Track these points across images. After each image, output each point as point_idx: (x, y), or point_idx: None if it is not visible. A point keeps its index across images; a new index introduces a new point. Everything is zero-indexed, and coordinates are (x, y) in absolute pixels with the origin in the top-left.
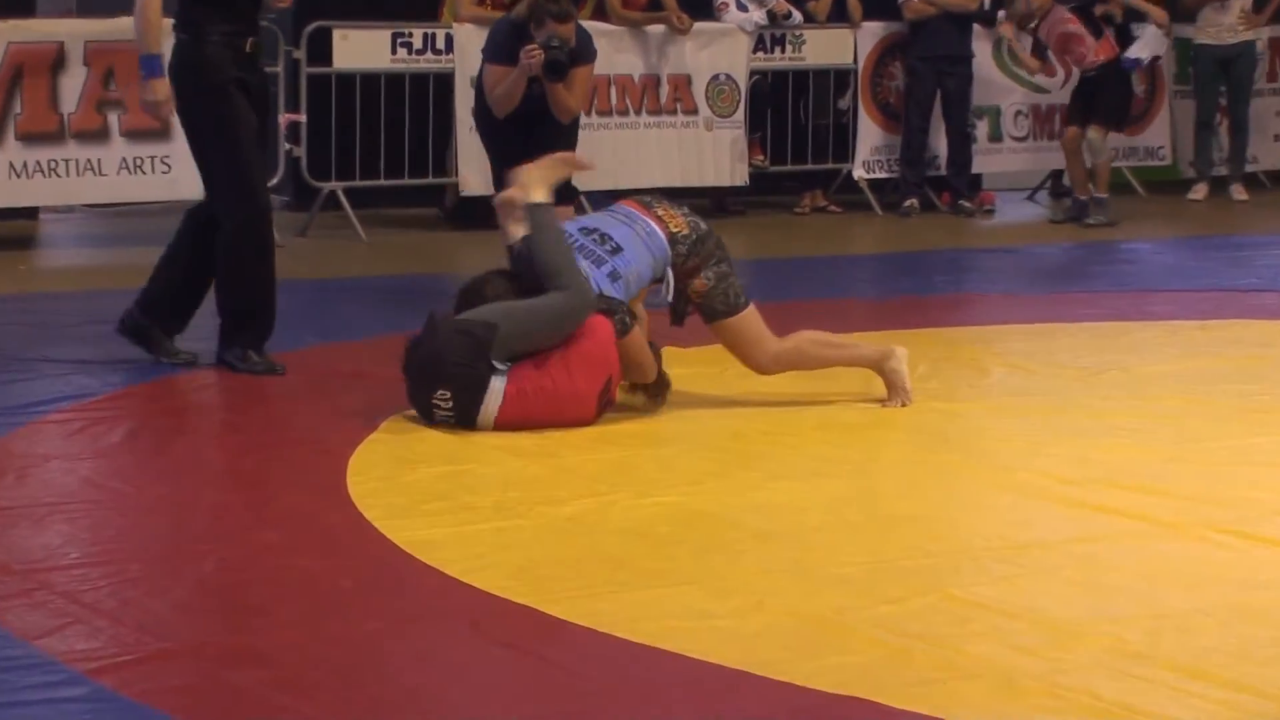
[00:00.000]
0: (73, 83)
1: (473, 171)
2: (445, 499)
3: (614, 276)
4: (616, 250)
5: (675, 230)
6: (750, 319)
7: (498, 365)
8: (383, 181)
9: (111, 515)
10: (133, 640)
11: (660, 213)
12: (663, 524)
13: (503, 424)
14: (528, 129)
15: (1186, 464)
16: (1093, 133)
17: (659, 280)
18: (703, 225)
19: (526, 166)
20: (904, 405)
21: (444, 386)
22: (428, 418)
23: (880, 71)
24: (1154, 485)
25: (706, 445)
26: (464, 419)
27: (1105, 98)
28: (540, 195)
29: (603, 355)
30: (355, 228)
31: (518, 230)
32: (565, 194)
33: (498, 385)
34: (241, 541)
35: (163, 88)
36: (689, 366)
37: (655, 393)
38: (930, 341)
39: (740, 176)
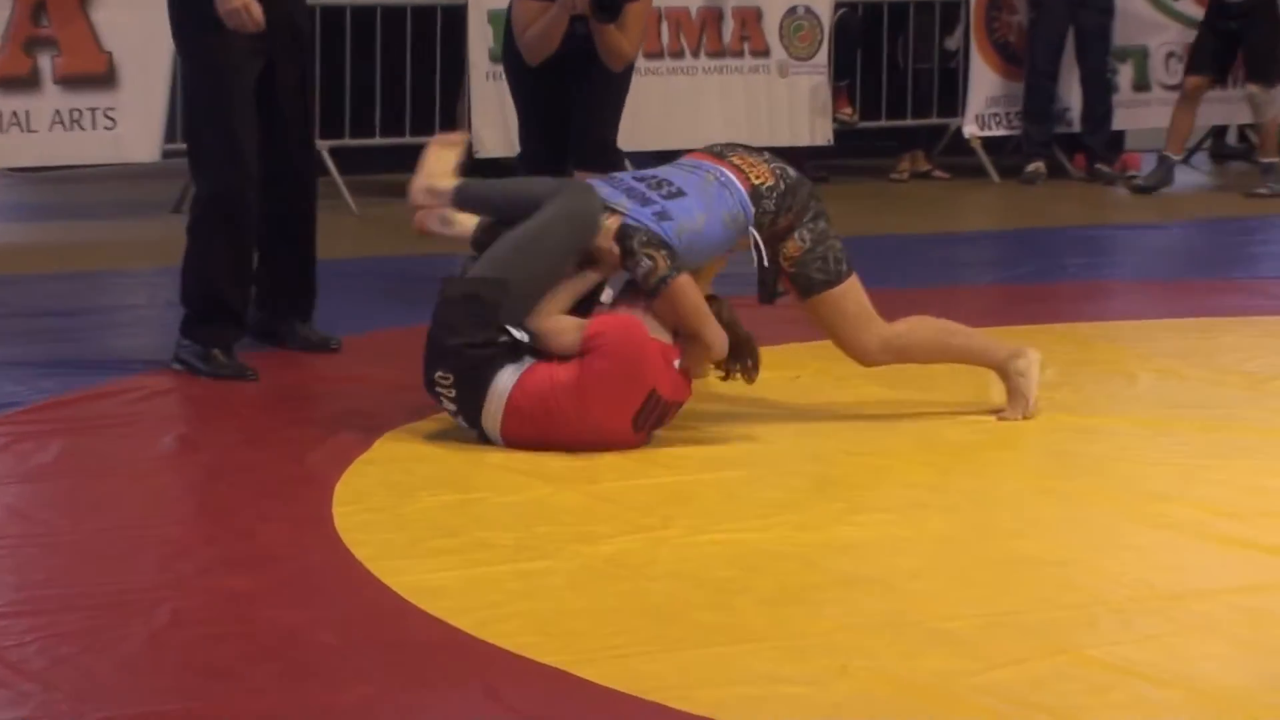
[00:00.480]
0: None
1: (490, 128)
2: (454, 535)
3: (662, 217)
4: (676, 194)
5: (758, 182)
6: (854, 290)
7: (515, 333)
8: (378, 140)
9: (41, 555)
10: (67, 710)
11: (737, 161)
12: (723, 567)
13: (512, 440)
14: (569, 78)
15: None
16: (1254, 88)
17: (732, 250)
18: (791, 173)
19: (424, 160)
20: (1025, 418)
21: (444, 367)
22: (436, 400)
23: (998, 4)
24: None
25: (778, 469)
26: (468, 417)
27: (1258, 43)
28: (449, 182)
29: (627, 373)
30: (344, 197)
31: (458, 223)
32: (606, 162)
33: (504, 384)
34: (202, 587)
35: None
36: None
37: (738, 368)
38: (1060, 339)
39: (823, 134)
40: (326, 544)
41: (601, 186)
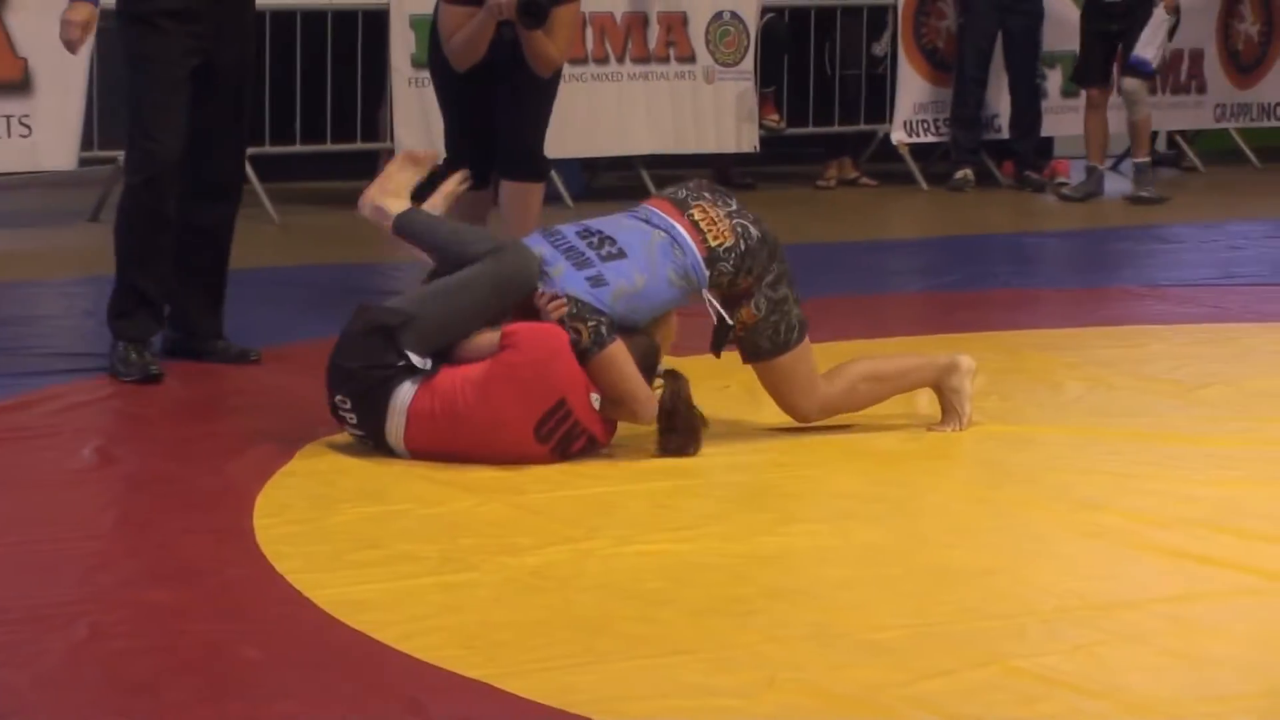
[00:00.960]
0: None
1: (413, 135)
2: (378, 547)
3: (596, 282)
4: (615, 256)
5: (715, 244)
6: (800, 360)
7: (413, 358)
8: (298, 148)
9: None
10: None
11: (697, 216)
12: (651, 578)
13: (416, 449)
14: (496, 85)
15: None
16: (1131, 84)
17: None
18: (754, 231)
19: (383, 173)
20: (958, 430)
21: (343, 391)
22: (340, 423)
23: (926, 9)
24: (1270, 530)
25: (705, 480)
26: (372, 435)
27: (1136, 38)
28: (399, 205)
29: (538, 373)
30: (264, 206)
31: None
32: (533, 170)
33: (404, 396)
34: (123, 601)
35: (85, 11)
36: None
37: (673, 443)
38: (989, 348)
39: (749, 141)
40: (248, 557)
41: (541, 245)
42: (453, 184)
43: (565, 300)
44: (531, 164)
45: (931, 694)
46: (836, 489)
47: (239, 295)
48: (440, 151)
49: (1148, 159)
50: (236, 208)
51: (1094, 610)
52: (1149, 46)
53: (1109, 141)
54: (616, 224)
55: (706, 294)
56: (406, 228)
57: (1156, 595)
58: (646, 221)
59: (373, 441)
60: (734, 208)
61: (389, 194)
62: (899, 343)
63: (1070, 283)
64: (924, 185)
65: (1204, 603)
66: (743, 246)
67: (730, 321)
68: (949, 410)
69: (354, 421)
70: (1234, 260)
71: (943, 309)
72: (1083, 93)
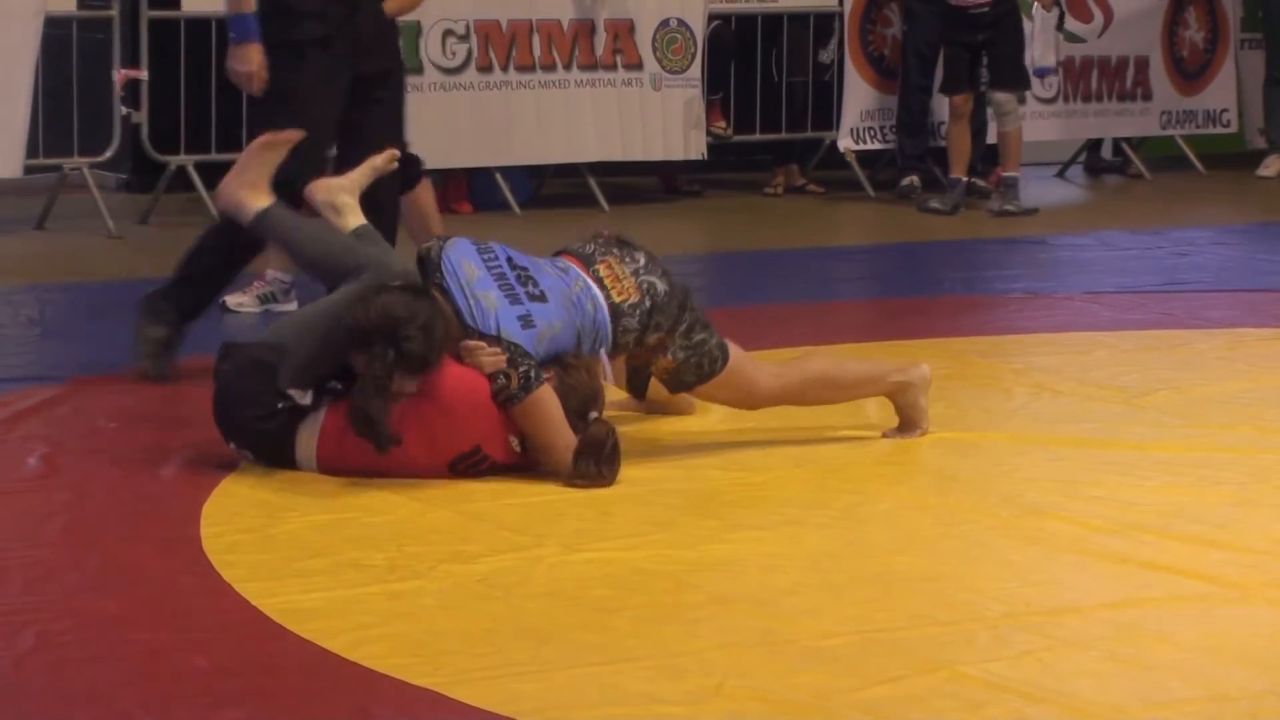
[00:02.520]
0: None
1: (431, 137)
2: (324, 555)
3: (526, 323)
4: (538, 298)
5: (620, 300)
6: (730, 377)
7: (294, 395)
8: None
9: None
10: None
11: (603, 271)
12: (598, 586)
13: (327, 466)
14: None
15: (1256, 508)
16: (1001, 97)
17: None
18: (660, 287)
19: (241, 162)
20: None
21: (239, 442)
22: (242, 457)
23: (871, 16)
24: (1215, 536)
25: (652, 487)
26: (277, 463)
27: (1006, 51)
28: (257, 200)
29: (452, 424)
30: (211, 214)
31: (343, 215)
32: (408, 174)
33: (310, 427)
34: (67, 610)
35: (255, 54)
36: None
37: (585, 473)
38: (935, 354)
39: (697, 148)
40: (195, 566)
41: (472, 259)
42: (382, 160)
43: (503, 352)
44: (403, 170)
45: (880, 700)
46: (784, 496)
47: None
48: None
49: (1017, 173)
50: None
51: (1040, 616)
52: (1046, 51)
53: (972, 154)
54: (538, 267)
55: (602, 353)
56: (264, 228)
57: (1102, 601)
58: (564, 272)
59: (272, 465)
60: (641, 264)
61: (246, 185)
62: (846, 349)
63: (1015, 289)
64: (871, 192)
65: (1149, 608)
66: (648, 304)
67: (647, 370)
68: (906, 422)
69: (257, 460)
70: (1179, 267)
71: (889, 315)
72: (1030, 100)
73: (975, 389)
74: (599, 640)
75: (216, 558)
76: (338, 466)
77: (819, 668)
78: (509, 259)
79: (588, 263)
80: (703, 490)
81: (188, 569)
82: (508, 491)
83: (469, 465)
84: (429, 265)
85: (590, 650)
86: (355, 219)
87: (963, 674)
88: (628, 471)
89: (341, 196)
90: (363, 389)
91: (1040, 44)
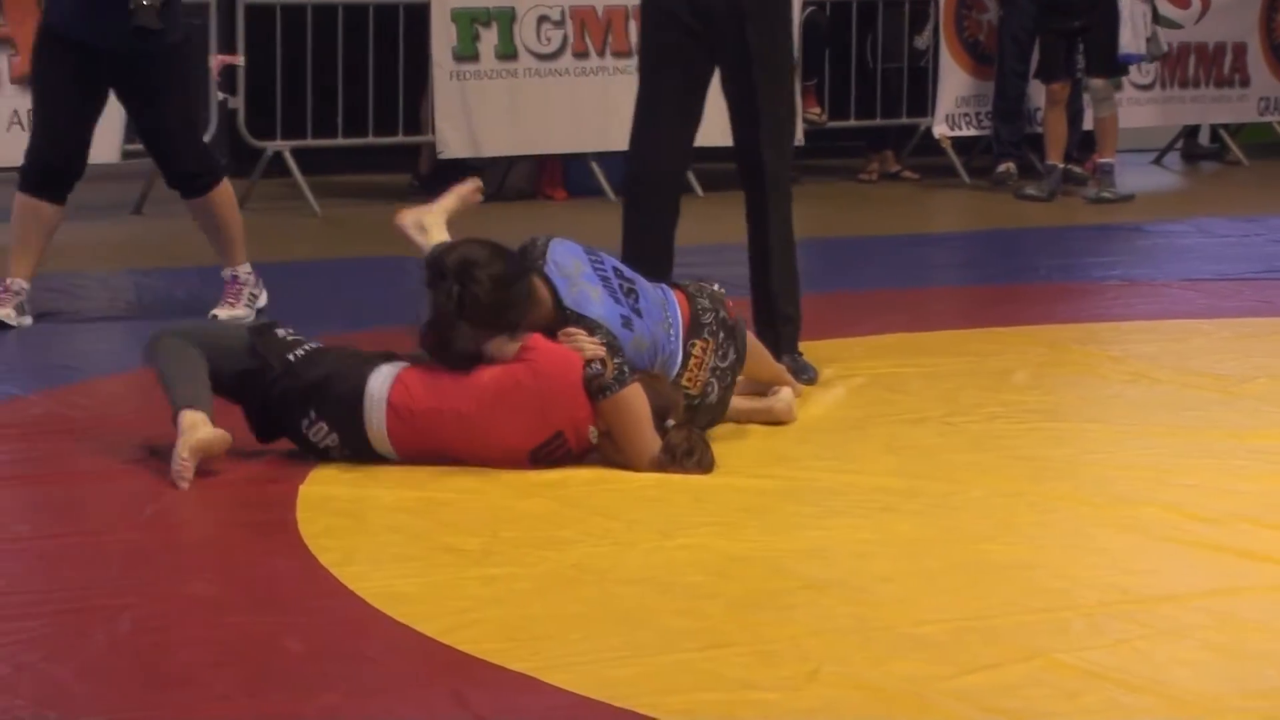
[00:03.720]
0: None
1: (454, 129)
2: (420, 540)
3: (626, 323)
4: (636, 311)
5: (686, 383)
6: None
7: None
8: (340, 141)
9: (1, 561)
10: (29, 716)
11: (696, 349)
12: (692, 572)
13: (404, 450)
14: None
15: None
16: (1097, 83)
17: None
18: (714, 395)
19: (419, 208)
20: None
21: (310, 407)
22: (306, 451)
23: (967, 2)
24: None
25: (745, 474)
26: (352, 444)
27: (1100, 37)
28: (431, 237)
29: (545, 404)
30: (307, 198)
31: (430, 235)
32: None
33: (377, 389)
34: (163, 594)
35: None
36: None
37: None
38: (1030, 341)
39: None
40: (290, 550)
41: (582, 264)
42: (469, 188)
43: (603, 344)
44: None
45: (974, 688)
46: (876, 483)
47: (281, 286)
48: (479, 145)
49: (1113, 160)
50: None
51: (1136, 604)
52: (1136, 38)
53: (1067, 140)
54: (643, 285)
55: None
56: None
57: (1198, 589)
58: (665, 305)
59: (351, 450)
60: (725, 365)
61: (422, 229)
62: (941, 336)
63: (1112, 276)
64: (966, 179)
65: (1246, 597)
66: (696, 402)
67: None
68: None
69: (326, 431)
70: (1276, 254)
71: (985, 302)
72: (1127, 86)
73: (1071, 376)
74: (693, 626)
75: (312, 542)
76: (410, 446)
77: (913, 655)
78: (616, 269)
79: (693, 330)
80: (795, 477)
81: (283, 553)
82: (601, 478)
83: (548, 453)
84: (533, 252)
85: (684, 636)
86: (440, 237)
87: (1058, 662)
88: (719, 459)
89: (427, 218)
90: (432, 324)
91: (1129, 31)
